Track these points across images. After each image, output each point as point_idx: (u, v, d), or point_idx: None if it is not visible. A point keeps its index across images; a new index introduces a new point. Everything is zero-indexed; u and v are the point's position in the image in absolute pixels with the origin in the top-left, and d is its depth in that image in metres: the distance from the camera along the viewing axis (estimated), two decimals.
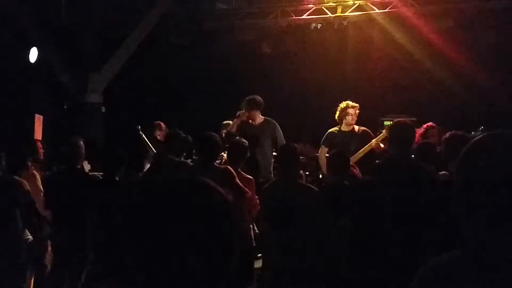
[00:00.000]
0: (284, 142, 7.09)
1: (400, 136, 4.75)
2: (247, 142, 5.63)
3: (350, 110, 7.12)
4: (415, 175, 4.51)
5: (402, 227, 4.17)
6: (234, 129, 7.18)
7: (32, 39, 10.55)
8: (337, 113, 7.22)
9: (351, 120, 7.14)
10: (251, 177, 5.45)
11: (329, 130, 7.35)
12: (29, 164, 5.60)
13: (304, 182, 5.60)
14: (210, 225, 1.38)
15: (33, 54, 10.38)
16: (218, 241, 1.38)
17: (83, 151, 5.63)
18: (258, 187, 5.47)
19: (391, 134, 4.84)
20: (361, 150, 6.89)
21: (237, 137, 6.19)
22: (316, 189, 4.94)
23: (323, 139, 7.31)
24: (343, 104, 7.19)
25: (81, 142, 5.58)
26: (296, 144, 5.32)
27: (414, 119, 8.94)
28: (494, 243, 1.43)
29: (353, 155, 6.70)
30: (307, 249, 4.39)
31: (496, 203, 1.41)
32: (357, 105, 7.18)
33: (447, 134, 5.08)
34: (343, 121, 7.19)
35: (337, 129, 7.28)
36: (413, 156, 5.58)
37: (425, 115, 9.07)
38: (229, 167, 5.15)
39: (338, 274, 4.15)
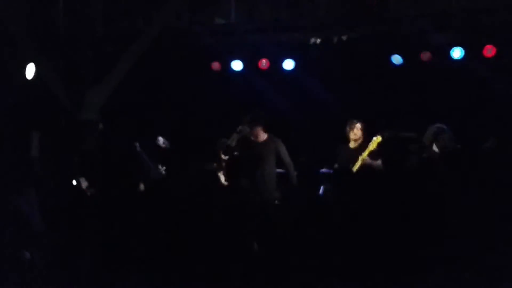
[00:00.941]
0: (289, 158, 7.10)
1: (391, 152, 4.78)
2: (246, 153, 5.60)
3: (354, 128, 7.32)
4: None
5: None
6: (233, 144, 7.06)
7: (29, 55, 10.52)
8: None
9: (356, 138, 7.31)
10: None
11: (339, 146, 7.56)
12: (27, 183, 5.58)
13: None
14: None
15: (30, 71, 10.34)
16: None
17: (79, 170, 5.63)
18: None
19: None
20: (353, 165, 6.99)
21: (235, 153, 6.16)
22: None
23: (336, 153, 7.47)
24: (348, 124, 7.37)
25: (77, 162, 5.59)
26: None
27: (413, 134, 8.92)
28: None
29: None
30: None
31: None
32: (357, 124, 7.32)
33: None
34: (350, 140, 7.39)
35: (346, 145, 7.49)
36: None
37: (424, 130, 9.06)
38: None
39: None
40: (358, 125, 7.34)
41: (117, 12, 10.99)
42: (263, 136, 7.15)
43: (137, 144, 7.39)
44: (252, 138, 7.13)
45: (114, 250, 5.03)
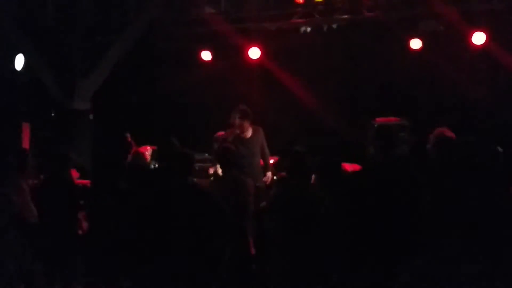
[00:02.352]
0: (267, 149, 7.31)
1: (383, 140, 4.73)
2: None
3: None
4: (400, 178, 4.48)
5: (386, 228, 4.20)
6: (230, 139, 7.14)
7: (18, 46, 10.47)
8: None
9: None
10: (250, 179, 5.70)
11: None
12: (18, 174, 5.58)
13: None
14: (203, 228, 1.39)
15: (19, 62, 10.30)
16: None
17: (69, 162, 5.62)
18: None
19: (375, 138, 4.81)
20: None
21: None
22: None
23: None
24: None
25: (68, 153, 5.58)
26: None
27: (404, 122, 8.98)
28: None
29: None
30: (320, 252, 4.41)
31: None
32: None
33: (435, 138, 5.06)
34: None
35: None
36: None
37: (414, 118, 9.13)
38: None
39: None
40: None
41: (107, 2, 10.94)
42: (250, 131, 7.23)
43: (128, 134, 7.40)
44: (241, 134, 7.18)
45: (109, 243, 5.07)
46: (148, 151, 7.36)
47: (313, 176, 6.73)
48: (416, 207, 4.27)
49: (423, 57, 9.44)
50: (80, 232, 5.54)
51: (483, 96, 9.05)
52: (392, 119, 8.31)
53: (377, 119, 8.15)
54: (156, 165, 7.02)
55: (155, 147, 7.26)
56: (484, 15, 8.85)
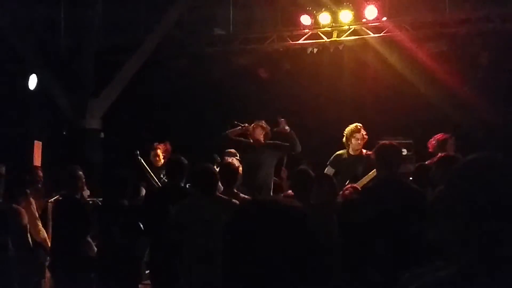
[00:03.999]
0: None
1: (384, 158, 4.75)
2: (236, 164, 5.65)
3: (357, 135, 6.88)
4: (404, 196, 4.53)
5: (389, 245, 4.22)
6: (233, 135, 7.16)
7: (31, 65, 10.65)
8: (344, 137, 7.00)
9: (357, 145, 6.89)
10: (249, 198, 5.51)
11: (337, 152, 7.12)
12: (28, 191, 5.66)
13: None
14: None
15: (33, 81, 10.48)
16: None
17: (83, 181, 5.68)
18: None
19: (377, 157, 4.84)
20: (367, 175, 6.61)
21: (228, 161, 6.25)
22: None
23: (330, 159, 7.11)
24: (348, 129, 6.95)
25: (80, 172, 5.62)
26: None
27: (410, 141, 9.04)
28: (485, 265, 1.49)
29: (360, 179, 6.58)
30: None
31: (482, 228, 1.48)
32: (362, 130, 6.93)
33: (438, 157, 5.12)
34: (350, 146, 6.97)
35: (345, 151, 7.07)
36: (411, 178, 5.68)
37: (420, 138, 9.18)
38: (235, 201, 4.94)
39: None
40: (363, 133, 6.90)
41: (118, 22, 11.13)
42: (261, 142, 7.12)
43: (138, 152, 7.49)
44: (252, 142, 7.12)
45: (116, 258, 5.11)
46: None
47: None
48: (418, 224, 4.31)
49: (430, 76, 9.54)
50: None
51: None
52: (397, 140, 8.34)
53: (383, 139, 8.20)
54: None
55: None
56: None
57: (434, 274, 1.60)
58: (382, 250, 4.20)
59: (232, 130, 7.27)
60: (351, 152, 6.97)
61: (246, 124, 7.21)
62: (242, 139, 7.30)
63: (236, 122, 7.36)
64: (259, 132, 7.09)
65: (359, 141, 6.90)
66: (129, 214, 5.22)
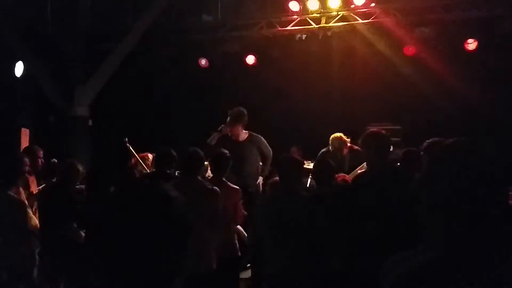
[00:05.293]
0: (271, 155, 7.16)
1: (374, 146, 4.75)
2: (228, 153, 5.65)
3: (336, 144, 7.38)
4: (397, 179, 4.55)
5: (385, 228, 4.25)
6: (213, 142, 7.02)
7: (18, 53, 10.56)
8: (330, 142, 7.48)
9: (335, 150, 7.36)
10: (237, 187, 5.49)
11: (322, 150, 7.52)
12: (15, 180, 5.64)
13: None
14: (166, 231, 1.49)
15: (19, 68, 10.39)
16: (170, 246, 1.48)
17: (78, 175, 5.70)
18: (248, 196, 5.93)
19: (365, 145, 4.83)
20: (355, 170, 6.79)
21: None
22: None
23: (317, 156, 7.36)
24: (334, 141, 7.43)
25: (78, 166, 5.66)
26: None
27: (398, 127, 9.10)
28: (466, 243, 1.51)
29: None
30: (313, 257, 4.48)
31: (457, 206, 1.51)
32: (345, 139, 7.41)
33: (426, 142, 5.15)
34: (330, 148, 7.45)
35: (330, 149, 7.45)
36: (398, 164, 5.71)
37: (408, 124, 9.24)
38: (216, 188, 4.99)
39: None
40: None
41: (106, 9, 11.05)
42: (243, 135, 7.05)
43: (126, 139, 7.46)
44: (233, 138, 6.99)
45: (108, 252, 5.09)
46: (149, 158, 7.34)
47: (309, 180, 6.87)
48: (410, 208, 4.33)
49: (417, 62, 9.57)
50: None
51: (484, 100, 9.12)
52: (386, 126, 8.39)
53: (372, 125, 8.24)
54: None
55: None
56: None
57: (418, 257, 1.62)
58: (374, 237, 4.22)
59: (211, 138, 7.16)
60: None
61: (223, 125, 7.12)
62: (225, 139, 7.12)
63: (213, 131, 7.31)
64: (237, 127, 7.01)
65: (344, 151, 7.39)
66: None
